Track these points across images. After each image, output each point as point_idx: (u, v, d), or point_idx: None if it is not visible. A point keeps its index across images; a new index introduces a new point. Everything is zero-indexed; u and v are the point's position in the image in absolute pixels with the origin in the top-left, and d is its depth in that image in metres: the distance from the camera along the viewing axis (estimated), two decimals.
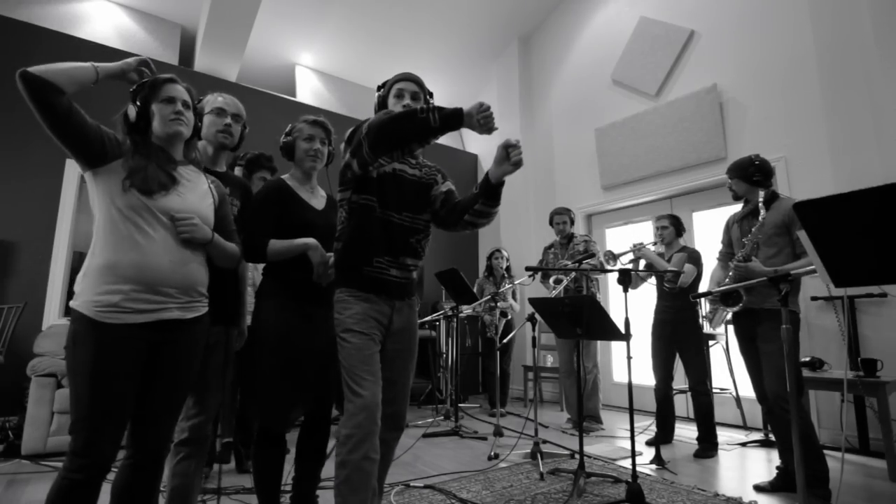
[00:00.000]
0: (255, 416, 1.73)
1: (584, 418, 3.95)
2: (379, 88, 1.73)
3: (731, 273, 2.41)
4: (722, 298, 2.47)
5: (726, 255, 2.65)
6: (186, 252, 1.35)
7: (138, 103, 1.36)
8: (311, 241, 1.71)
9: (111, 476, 1.31)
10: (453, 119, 1.37)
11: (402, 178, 1.63)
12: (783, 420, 2.23)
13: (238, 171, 2.70)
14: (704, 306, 3.69)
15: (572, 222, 4.08)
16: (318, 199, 1.88)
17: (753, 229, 2.41)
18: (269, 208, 1.75)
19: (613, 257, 3.50)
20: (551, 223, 4.09)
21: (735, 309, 2.41)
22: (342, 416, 1.46)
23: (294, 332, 1.69)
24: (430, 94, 1.73)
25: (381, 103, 1.70)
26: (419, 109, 1.39)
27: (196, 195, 1.42)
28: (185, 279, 1.33)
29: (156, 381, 1.31)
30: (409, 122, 1.39)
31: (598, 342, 4.11)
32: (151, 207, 1.28)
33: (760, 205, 2.41)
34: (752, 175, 2.47)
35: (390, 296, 1.59)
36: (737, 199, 2.58)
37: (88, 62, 1.25)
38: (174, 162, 1.41)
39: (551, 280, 3.81)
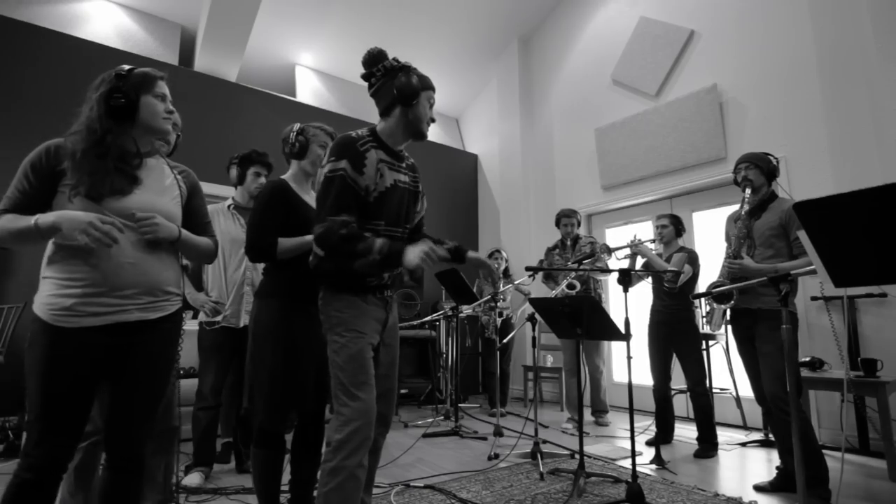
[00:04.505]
0: (255, 417, 1.74)
1: (595, 412, 4.03)
2: (391, 61, 1.56)
3: (723, 270, 2.43)
4: (715, 296, 2.48)
5: None
6: (147, 252, 1.28)
7: (126, 91, 1.29)
8: None
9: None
10: (391, 265, 1.42)
11: (403, 192, 1.59)
12: (782, 421, 2.23)
13: (233, 170, 2.74)
14: (703, 306, 3.70)
15: (579, 224, 4.09)
16: (312, 198, 1.91)
17: (738, 223, 2.43)
18: (276, 209, 1.76)
19: (609, 251, 3.50)
20: (558, 224, 4.09)
21: (725, 307, 2.42)
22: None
23: (296, 332, 1.70)
24: None
25: (409, 92, 1.52)
26: (360, 252, 1.37)
27: (155, 191, 1.35)
28: (146, 280, 1.27)
29: (125, 383, 1.28)
30: (350, 258, 1.40)
31: (606, 342, 4.14)
32: (105, 211, 1.21)
33: (746, 199, 2.43)
34: (773, 170, 2.45)
35: (384, 296, 1.59)
36: (747, 188, 2.46)
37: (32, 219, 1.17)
38: (140, 156, 1.34)
39: (564, 284, 3.80)
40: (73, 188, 1.20)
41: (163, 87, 1.37)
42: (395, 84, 1.52)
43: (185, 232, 1.37)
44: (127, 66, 1.34)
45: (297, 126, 1.92)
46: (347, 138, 1.50)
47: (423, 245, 1.39)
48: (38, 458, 1.16)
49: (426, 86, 1.57)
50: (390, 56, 1.59)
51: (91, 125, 1.25)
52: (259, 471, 1.73)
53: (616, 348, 5.06)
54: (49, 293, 1.20)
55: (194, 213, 1.47)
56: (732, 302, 2.39)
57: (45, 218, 1.16)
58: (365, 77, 1.59)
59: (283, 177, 1.89)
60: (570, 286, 3.73)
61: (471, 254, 1.69)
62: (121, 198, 1.25)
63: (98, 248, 1.17)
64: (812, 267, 1.44)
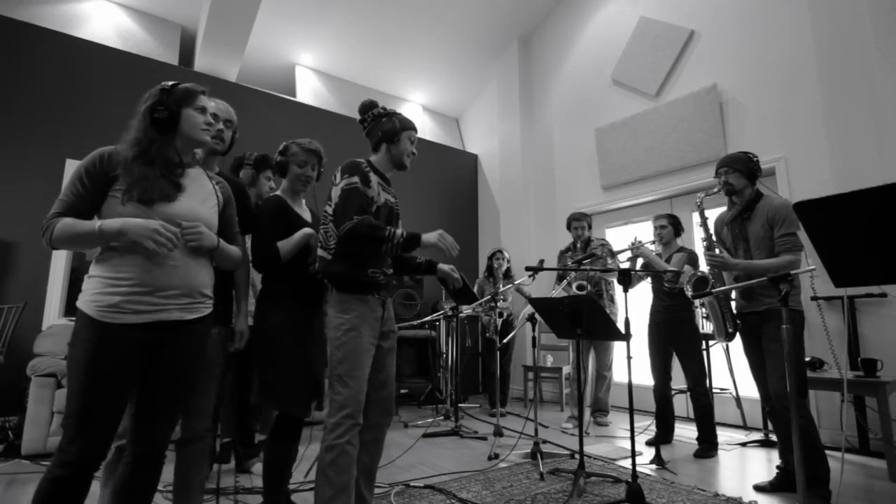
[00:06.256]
0: (276, 406, 1.84)
1: (594, 412, 4.04)
2: (379, 109, 1.90)
3: (707, 266, 2.50)
4: (693, 287, 2.52)
5: None
6: (188, 255, 1.36)
7: (168, 104, 1.38)
8: (307, 229, 1.92)
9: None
10: (410, 247, 1.68)
11: (390, 209, 1.88)
12: (786, 420, 2.22)
13: (246, 172, 2.73)
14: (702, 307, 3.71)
15: (590, 226, 4.10)
16: (305, 212, 2.07)
17: (706, 223, 2.58)
18: (279, 223, 1.92)
19: (611, 254, 3.51)
20: (569, 228, 4.10)
21: (701, 300, 2.47)
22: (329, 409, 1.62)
23: (303, 331, 1.85)
24: None
25: (392, 133, 1.85)
26: (387, 237, 1.64)
27: (198, 199, 1.44)
28: (187, 282, 1.35)
29: (156, 380, 1.33)
30: (377, 243, 1.65)
31: (614, 345, 4.14)
32: (153, 216, 1.29)
33: (702, 198, 2.60)
34: (754, 171, 2.42)
35: (381, 296, 1.82)
36: (730, 193, 2.47)
37: (95, 224, 1.24)
38: (182, 166, 1.43)
39: (574, 287, 3.81)
40: (125, 192, 1.28)
41: (203, 101, 1.45)
42: (381, 127, 1.86)
43: (222, 241, 1.46)
44: (171, 82, 1.42)
45: (283, 145, 2.04)
46: (355, 162, 1.79)
47: (437, 231, 1.73)
48: (73, 455, 1.18)
49: (406, 127, 1.89)
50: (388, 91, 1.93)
51: (138, 136, 1.35)
52: (273, 462, 1.81)
53: (616, 348, 5.05)
54: (95, 291, 1.26)
55: (226, 222, 1.56)
56: (711, 296, 2.44)
57: (110, 224, 1.24)
58: (360, 122, 1.93)
59: (278, 192, 2.03)
60: (581, 287, 3.75)
61: (441, 266, 2.00)
62: (168, 203, 1.34)
63: (151, 252, 1.26)
64: (811, 268, 1.44)
